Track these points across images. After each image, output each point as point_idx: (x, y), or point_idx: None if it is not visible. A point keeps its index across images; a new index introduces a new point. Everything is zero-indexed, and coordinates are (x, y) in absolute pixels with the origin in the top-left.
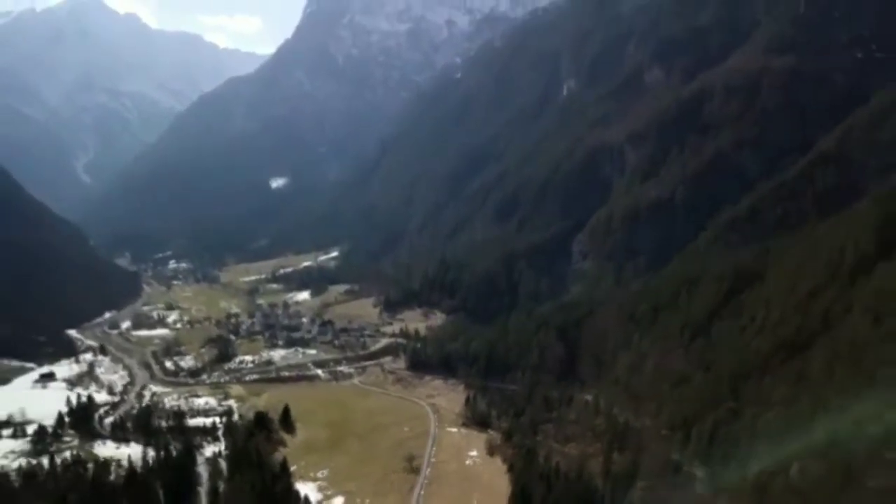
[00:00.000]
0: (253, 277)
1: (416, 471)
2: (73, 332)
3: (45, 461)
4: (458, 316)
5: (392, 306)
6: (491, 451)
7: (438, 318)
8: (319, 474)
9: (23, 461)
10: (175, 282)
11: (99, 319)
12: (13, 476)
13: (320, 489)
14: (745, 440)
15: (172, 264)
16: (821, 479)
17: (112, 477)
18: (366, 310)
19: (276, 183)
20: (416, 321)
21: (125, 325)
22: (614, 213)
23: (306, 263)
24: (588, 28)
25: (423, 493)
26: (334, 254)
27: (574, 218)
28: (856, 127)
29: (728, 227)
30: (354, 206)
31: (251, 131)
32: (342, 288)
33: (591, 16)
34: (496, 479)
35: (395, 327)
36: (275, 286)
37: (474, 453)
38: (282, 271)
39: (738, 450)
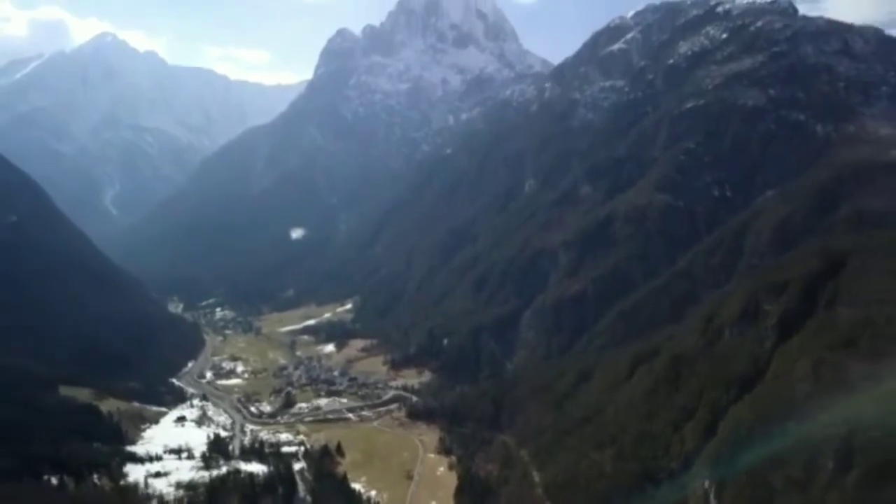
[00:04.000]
0: (287, 328)
1: (411, 478)
2: (175, 382)
3: (214, 473)
4: (441, 374)
5: (396, 365)
6: (450, 467)
7: (427, 376)
8: (362, 479)
9: (203, 473)
10: (227, 331)
11: (186, 369)
12: (212, 479)
13: (363, 486)
14: (551, 466)
15: (219, 312)
16: (565, 485)
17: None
18: (377, 367)
19: (296, 234)
20: (412, 377)
21: (209, 374)
22: (548, 299)
23: (327, 315)
24: (548, 135)
25: (414, 488)
26: (349, 306)
27: (524, 298)
28: (700, 252)
29: (617, 318)
30: (363, 264)
31: (271, 182)
32: (359, 343)
33: (552, 124)
34: (451, 482)
35: (399, 382)
36: (305, 337)
37: (442, 469)
38: (309, 323)
39: (548, 468)
